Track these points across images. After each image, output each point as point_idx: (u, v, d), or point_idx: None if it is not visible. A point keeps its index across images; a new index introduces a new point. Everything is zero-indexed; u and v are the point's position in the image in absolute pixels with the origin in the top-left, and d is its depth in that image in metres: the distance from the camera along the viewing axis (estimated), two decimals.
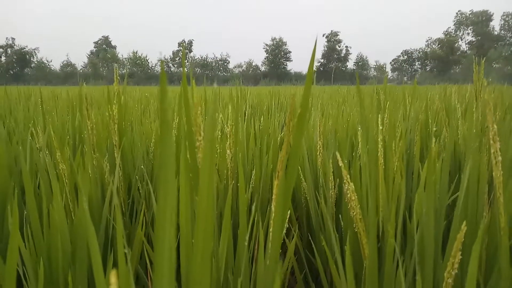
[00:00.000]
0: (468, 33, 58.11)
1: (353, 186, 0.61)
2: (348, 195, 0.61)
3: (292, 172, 0.56)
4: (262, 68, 60.91)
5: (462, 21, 58.28)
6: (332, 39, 59.90)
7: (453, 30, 59.34)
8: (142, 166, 0.94)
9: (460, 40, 58.28)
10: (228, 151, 0.85)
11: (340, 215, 0.91)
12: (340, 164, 0.63)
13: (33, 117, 1.85)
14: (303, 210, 1.17)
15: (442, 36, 59.12)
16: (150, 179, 1.11)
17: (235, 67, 62.21)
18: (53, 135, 0.80)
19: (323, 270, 0.89)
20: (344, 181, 0.61)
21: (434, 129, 1.44)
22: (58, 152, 0.81)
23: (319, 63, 59.98)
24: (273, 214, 0.58)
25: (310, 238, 1.09)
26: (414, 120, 1.39)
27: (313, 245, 0.91)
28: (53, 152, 1.06)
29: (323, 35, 60.40)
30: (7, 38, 58.27)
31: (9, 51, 56.90)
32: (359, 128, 0.95)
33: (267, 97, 4.80)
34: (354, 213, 0.61)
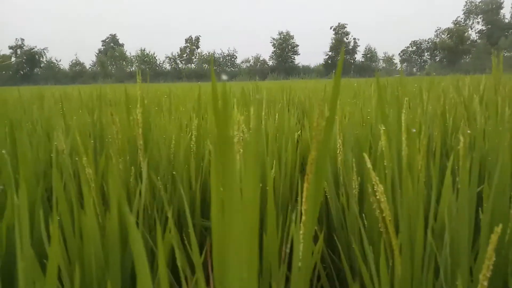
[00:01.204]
0: (478, 22, 57.32)
1: (382, 188, 0.61)
2: (377, 197, 0.61)
3: (321, 175, 0.57)
4: (270, 63, 60.76)
5: (472, 9, 57.49)
6: (340, 31, 59.47)
7: (462, 19, 58.58)
8: (174, 173, 0.95)
9: (469, 29, 57.51)
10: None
11: (363, 214, 0.91)
12: (368, 166, 0.63)
13: (50, 118, 1.86)
14: (322, 207, 1.17)
15: (451, 25, 58.37)
16: (171, 181, 1.11)
17: (243, 62, 62.14)
18: (79, 139, 0.81)
19: (348, 268, 0.89)
20: (373, 182, 0.61)
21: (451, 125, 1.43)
22: (84, 157, 0.82)
23: (327, 56, 59.61)
24: (304, 217, 0.59)
25: (328, 235, 1.09)
26: (433, 116, 1.39)
27: (337, 242, 0.92)
28: (77, 156, 1.08)
29: (331, 28, 60.02)
30: (16, 39, 58.82)
31: (19, 52, 57.43)
32: (381, 128, 0.94)
33: (277, 92, 4.79)
34: (384, 214, 0.61)
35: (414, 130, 0.73)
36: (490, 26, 55.21)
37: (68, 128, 1.42)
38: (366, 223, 0.88)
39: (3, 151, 0.77)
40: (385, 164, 0.83)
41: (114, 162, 0.78)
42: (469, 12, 57.82)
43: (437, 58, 59.03)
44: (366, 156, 0.64)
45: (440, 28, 59.19)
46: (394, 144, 0.85)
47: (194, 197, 1.09)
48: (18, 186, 0.54)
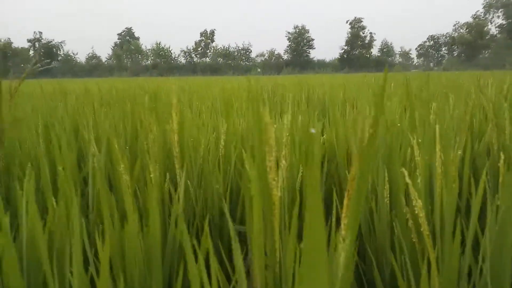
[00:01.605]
0: (499, 16, 56.05)
1: (420, 203, 0.62)
2: (416, 212, 0.62)
3: (362, 192, 0.57)
4: (285, 57, 60.52)
5: (492, 3, 56.23)
6: (356, 25, 58.85)
7: (482, 14, 57.37)
8: (217, 187, 0.97)
9: (489, 23, 56.32)
10: (283, 161, 0.87)
11: (393, 223, 0.91)
12: (407, 181, 0.64)
13: (77, 118, 1.90)
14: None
15: (471, 20, 57.24)
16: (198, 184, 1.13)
17: (257, 56, 62.00)
18: (117, 148, 0.83)
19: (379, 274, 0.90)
20: (412, 199, 0.62)
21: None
22: (122, 164, 0.84)
23: (343, 50, 59.13)
24: (344, 232, 0.60)
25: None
26: (460, 121, 1.38)
27: (368, 250, 0.93)
28: (111, 161, 1.10)
29: (347, 22, 59.43)
30: (34, 32, 59.64)
31: (37, 45, 58.25)
32: (413, 139, 0.94)
33: (295, 88, 4.77)
34: (422, 229, 0.62)
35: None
36: (511, 21, 53.97)
37: (98, 131, 1.45)
38: (396, 231, 0.88)
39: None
40: (417, 174, 0.84)
41: (149, 171, 0.80)
42: (489, 6, 56.58)
43: (455, 53, 58.04)
44: (405, 171, 0.65)
45: (458, 22, 58.12)
46: (426, 152, 0.86)
47: (222, 201, 1.11)
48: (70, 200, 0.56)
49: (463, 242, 0.69)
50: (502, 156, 0.65)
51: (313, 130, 0.32)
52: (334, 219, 0.74)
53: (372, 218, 1.03)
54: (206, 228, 0.71)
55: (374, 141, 0.53)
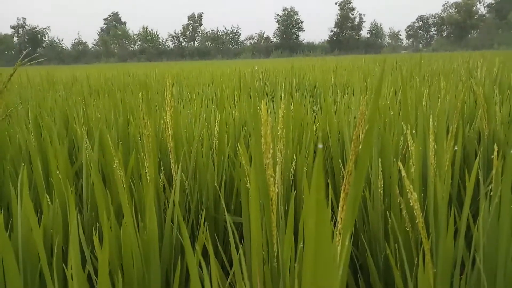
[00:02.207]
0: None
1: (415, 196, 0.63)
2: (411, 205, 0.63)
3: (359, 186, 0.58)
4: (274, 40, 60.06)
5: None
6: (345, 7, 58.47)
7: None
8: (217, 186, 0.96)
9: (478, 3, 56.30)
10: (278, 153, 0.87)
11: (387, 212, 0.92)
12: (403, 175, 0.65)
13: (67, 109, 1.87)
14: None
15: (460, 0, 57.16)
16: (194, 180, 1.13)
17: (246, 39, 61.47)
18: (111, 144, 0.82)
19: (374, 265, 0.92)
20: (407, 191, 0.63)
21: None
22: (116, 160, 0.83)
23: (332, 32, 58.83)
24: (340, 225, 0.60)
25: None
26: (451, 107, 1.39)
27: (363, 240, 0.94)
28: (104, 154, 1.09)
29: (336, 3, 59.00)
30: (18, 18, 58.33)
31: (21, 31, 57.04)
32: (406, 129, 0.95)
33: (284, 74, 4.75)
34: (417, 221, 0.63)
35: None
36: (499, 0, 54.02)
37: (89, 123, 1.44)
38: (390, 221, 0.89)
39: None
40: (411, 164, 0.85)
41: (146, 166, 0.79)
42: None
43: (444, 34, 58.08)
44: (400, 165, 0.65)
45: (447, 2, 58.12)
46: (419, 143, 0.86)
47: (216, 193, 1.12)
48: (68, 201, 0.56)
49: (456, 232, 0.70)
50: (496, 148, 0.66)
51: (320, 146, 0.31)
52: (329, 211, 0.75)
53: (365, 207, 1.04)
54: (202, 225, 0.71)
55: (371, 138, 0.54)
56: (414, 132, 0.81)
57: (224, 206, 0.88)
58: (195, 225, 1.08)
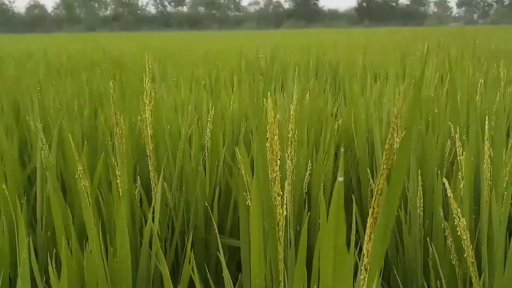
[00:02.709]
0: None
1: (464, 223, 0.62)
2: (459, 233, 0.63)
3: (391, 211, 0.58)
4: (286, 5, 59.97)
5: None
6: None
7: None
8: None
9: None
10: (288, 162, 0.88)
11: (427, 238, 0.92)
12: (449, 195, 0.64)
13: (17, 95, 1.87)
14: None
15: None
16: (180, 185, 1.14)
17: (250, 4, 61.43)
18: (73, 146, 0.83)
19: None
20: (454, 215, 0.62)
21: None
22: (80, 166, 0.83)
23: None
24: (367, 259, 0.60)
25: None
26: None
27: (396, 274, 0.94)
28: (64, 157, 1.10)
29: None
30: None
31: None
32: (453, 129, 0.95)
33: (298, 52, 4.74)
34: (465, 254, 0.63)
35: None
36: None
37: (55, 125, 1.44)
38: (430, 251, 0.89)
39: None
40: (460, 178, 0.84)
41: (120, 183, 0.80)
42: None
43: (506, 2, 57.77)
44: (446, 181, 0.65)
45: None
46: (470, 151, 0.86)
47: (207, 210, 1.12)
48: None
49: None
50: None
51: (340, 179, 0.31)
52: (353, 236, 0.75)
53: (400, 230, 1.04)
54: (189, 251, 0.71)
55: (408, 147, 0.54)
56: (464, 137, 0.81)
57: (216, 227, 0.88)
58: (180, 250, 1.08)
